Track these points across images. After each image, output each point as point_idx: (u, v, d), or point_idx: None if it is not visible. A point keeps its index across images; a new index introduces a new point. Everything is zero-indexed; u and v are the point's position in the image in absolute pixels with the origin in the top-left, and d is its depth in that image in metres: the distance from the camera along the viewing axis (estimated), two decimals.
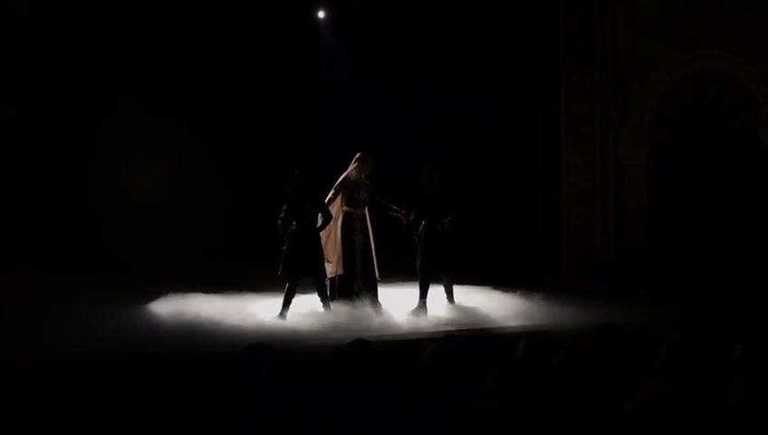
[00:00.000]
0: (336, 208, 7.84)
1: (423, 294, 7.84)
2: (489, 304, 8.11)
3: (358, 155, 7.89)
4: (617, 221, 10.66)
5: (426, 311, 7.73)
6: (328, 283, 7.69)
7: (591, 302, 8.27)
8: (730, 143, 9.64)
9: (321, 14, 11.85)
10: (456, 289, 8.12)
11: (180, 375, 4.78)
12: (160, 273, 9.07)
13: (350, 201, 7.85)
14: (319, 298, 7.53)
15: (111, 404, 3.93)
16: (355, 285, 7.72)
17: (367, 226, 7.94)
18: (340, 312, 7.21)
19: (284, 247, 7.43)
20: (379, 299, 7.79)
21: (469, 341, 4.54)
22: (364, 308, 7.32)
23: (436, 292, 8.01)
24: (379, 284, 7.99)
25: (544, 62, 11.10)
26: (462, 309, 7.74)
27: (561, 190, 10.98)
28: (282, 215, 7.44)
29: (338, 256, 7.76)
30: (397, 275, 8.74)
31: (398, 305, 7.87)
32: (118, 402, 3.98)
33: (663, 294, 8.96)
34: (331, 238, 7.79)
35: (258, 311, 7.56)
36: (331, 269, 7.75)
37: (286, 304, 7.37)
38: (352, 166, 7.90)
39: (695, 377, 3.37)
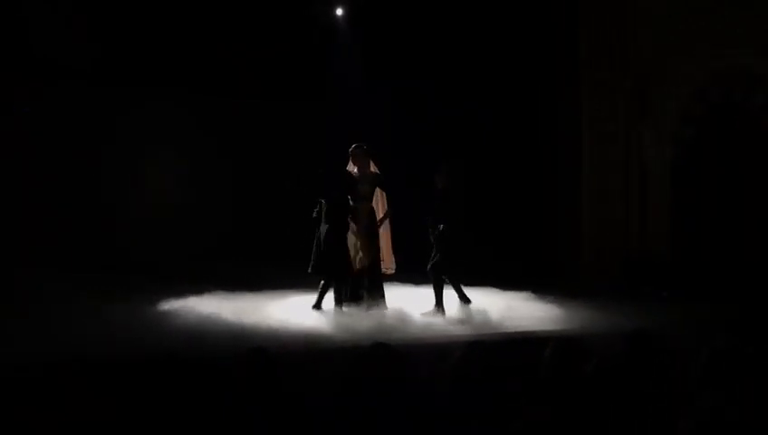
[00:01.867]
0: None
1: (439, 296, 7.64)
2: (508, 307, 7.90)
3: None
4: (640, 221, 10.40)
5: (444, 313, 7.54)
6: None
7: (615, 304, 8.06)
8: (757, 142, 9.37)
9: (339, 12, 11.68)
10: (472, 291, 7.91)
11: (191, 376, 4.64)
12: (167, 272, 8.98)
13: (353, 197, 7.73)
14: (333, 299, 7.39)
15: (116, 404, 3.86)
16: (363, 282, 7.60)
17: (373, 220, 7.78)
18: (353, 315, 7.06)
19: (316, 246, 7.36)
20: (386, 299, 7.64)
21: (495, 346, 4.35)
22: (372, 310, 7.19)
23: (451, 294, 7.82)
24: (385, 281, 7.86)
25: (563, 61, 10.86)
26: (481, 312, 7.50)
27: (582, 190, 10.72)
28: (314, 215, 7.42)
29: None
30: (409, 275, 8.57)
31: (413, 307, 7.66)
32: (122, 402, 3.91)
33: (688, 296, 8.75)
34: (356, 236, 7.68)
35: (267, 312, 7.41)
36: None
37: (322, 296, 7.35)
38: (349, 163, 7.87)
39: (741, 387, 3.16)
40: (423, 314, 7.43)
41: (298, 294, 7.99)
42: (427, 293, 7.82)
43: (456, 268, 7.69)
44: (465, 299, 7.71)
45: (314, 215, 7.44)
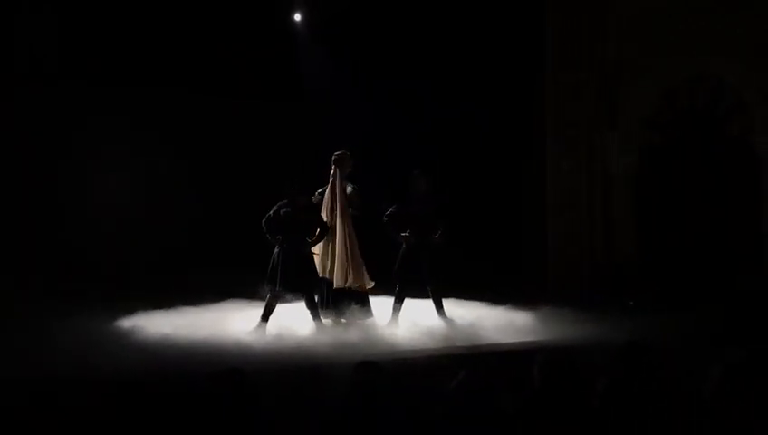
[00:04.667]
0: (343, 216, 7.46)
1: (398, 305, 7.51)
2: (479, 317, 7.73)
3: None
4: (605, 229, 10.37)
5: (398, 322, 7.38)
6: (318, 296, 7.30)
7: (587, 314, 7.96)
8: (722, 149, 9.40)
9: (297, 17, 11.54)
10: (445, 302, 7.73)
11: (161, 401, 4.46)
12: (139, 284, 8.62)
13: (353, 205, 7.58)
14: (310, 314, 7.11)
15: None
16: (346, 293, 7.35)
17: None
18: (340, 327, 6.80)
19: (274, 260, 7.02)
20: (372, 311, 7.46)
21: (489, 363, 4.19)
22: (361, 323, 6.97)
23: (428, 306, 7.64)
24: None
25: (528, 64, 10.82)
26: (455, 324, 7.36)
27: (546, 196, 10.68)
28: (270, 216, 7.04)
29: (360, 264, 7.38)
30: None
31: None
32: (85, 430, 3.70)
33: (656, 304, 8.71)
34: (345, 246, 7.35)
35: (238, 326, 7.11)
36: (357, 281, 7.36)
37: (265, 317, 7.00)
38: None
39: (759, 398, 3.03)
40: (384, 326, 7.22)
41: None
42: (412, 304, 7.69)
43: (433, 280, 7.54)
44: (442, 311, 7.55)
45: (270, 216, 7.04)
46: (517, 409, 3.64)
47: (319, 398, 4.48)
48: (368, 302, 7.48)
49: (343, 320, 7.10)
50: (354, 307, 7.24)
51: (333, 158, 7.56)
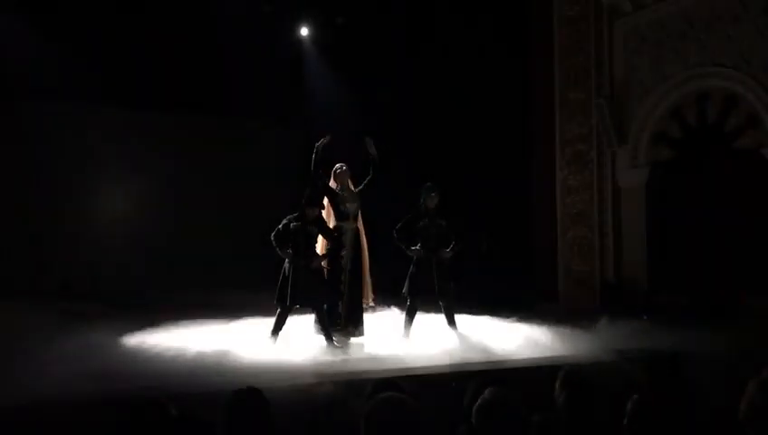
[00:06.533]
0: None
1: (410, 320, 7.41)
2: (496, 334, 7.67)
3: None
4: (615, 244, 10.30)
5: (409, 337, 7.29)
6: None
7: (600, 329, 7.86)
8: (734, 163, 9.30)
9: (304, 32, 11.65)
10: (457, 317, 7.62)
11: (173, 423, 4.33)
12: (142, 303, 8.55)
13: (337, 215, 7.41)
14: (320, 330, 7.02)
15: None
16: (340, 307, 7.22)
17: (360, 242, 7.48)
18: (353, 345, 6.69)
19: (284, 275, 6.90)
20: (364, 328, 7.35)
21: (509, 380, 4.07)
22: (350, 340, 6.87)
23: (440, 321, 7.54)
24: (369, 310, 7.52)
25: (538, 80, 10.81)
26: (469, 340, 7.25)
27: (556, 212, 10.62)
28: (279, 230, 6.93)
29: None
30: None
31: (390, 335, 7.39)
32: None
33: (669, 320, 8.60)
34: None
35: (246, 344, 6.99)
36: None
37: (277, 329, 6.89)
38: (332, 180, 7.57)
39: None
40: (398, 342, 7.14)
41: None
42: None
43: (445, 294, 7.44)
44: (453, 325, 7.45)
45: (280, 229, 6.93)
46: (543, 428, 3.53)
47: (335, 416, 4.38)
48: (362, 319, 7.39)
49: (335, 335, 7.00)
50: (350, 324, 7.17)
51: (333, 171, 7.55)
